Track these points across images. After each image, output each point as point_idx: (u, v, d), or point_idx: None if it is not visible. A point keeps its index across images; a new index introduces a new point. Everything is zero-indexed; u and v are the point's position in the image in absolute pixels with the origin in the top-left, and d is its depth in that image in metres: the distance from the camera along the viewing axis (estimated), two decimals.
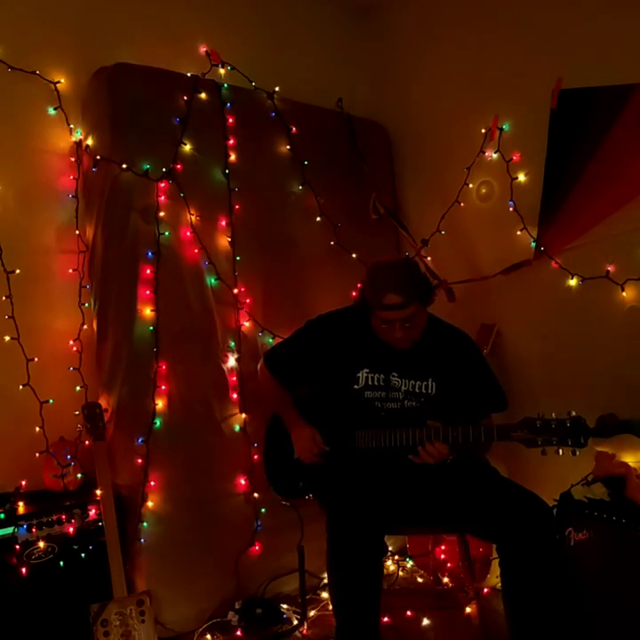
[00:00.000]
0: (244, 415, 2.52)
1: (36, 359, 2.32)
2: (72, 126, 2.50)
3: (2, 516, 2.07)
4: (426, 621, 2.29)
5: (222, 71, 2.73)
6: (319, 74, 3.14)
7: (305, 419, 2.15)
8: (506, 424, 1.77)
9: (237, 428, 2.50)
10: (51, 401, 2.31)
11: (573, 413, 1.66)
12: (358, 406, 2.06)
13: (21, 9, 2.41)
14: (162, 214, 2.39)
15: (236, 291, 2.56)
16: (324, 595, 2.49)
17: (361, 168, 3.02)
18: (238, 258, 2.58)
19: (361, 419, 2.04)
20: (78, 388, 2.44)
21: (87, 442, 2.34)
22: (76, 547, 2.13)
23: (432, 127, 3.01)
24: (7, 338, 2.30)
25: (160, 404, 2.32)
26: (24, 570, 2.03)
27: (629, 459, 2.10)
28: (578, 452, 1.66)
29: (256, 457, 2.48)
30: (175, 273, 2.42)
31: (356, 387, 2.07)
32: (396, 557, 2.83)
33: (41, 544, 2.07)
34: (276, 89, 2.79)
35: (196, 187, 2.49)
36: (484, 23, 2.72)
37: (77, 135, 2.50)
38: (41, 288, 2.44)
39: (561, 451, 1.66)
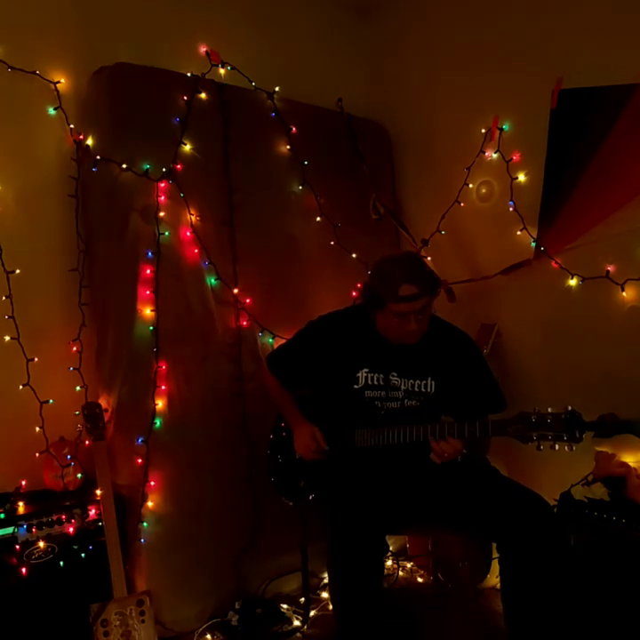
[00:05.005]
0: (244, 415, 2.52)
1: (35, 359, 2.32)
2: (72, 126, 2.49)
3: (2, 515, 2.07)
4: (426, 621, 2.29)
5: (222, 71, 2.72)
6: (319, 74, 3.14)
7: (307, 419, 2.16)
8: (501, 419, 1.77)
9: (237, 427, 2.50)
10: (51, 401, 2.31)
11: (569, 408, 1.65)
12: (359, 406, 2.06)
13: (21, 9, 2.40)
14: (162, 214, 2.39)
15: (236, 291, 2.56)
16: (324, 595, 2.49)
17: (361, 168, 3.02)
18: (238, 258, 2.58)
19: (361, 418, 2.04)
20: (78, 388, 2.44)
21: (87, 442, 2.34)
22: (76, 547, 2.13)
23: (432, 127, 3.01)
24: (7, 338, 2.30)
25: (160, 403, 2.33)
26: (24, 570, 2.03)
27: (629, 459, 2.11)
28: (574, 448, 1.63)
29: (256, 456, 2.48)
30: (175, 273, 2.42)
31: (356, 386, 2.07)
32: (397, 557, 2.83)
33: (41, 544, 2.07)
34: (276, 89, 2.79)
35: (196, 187, 2.49)
36: (483, 23, 2.72)
37: (77, 135, 2.50)
38: (41, 288, 2.44)
39: (557, 446, 1.65)
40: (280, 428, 2.27)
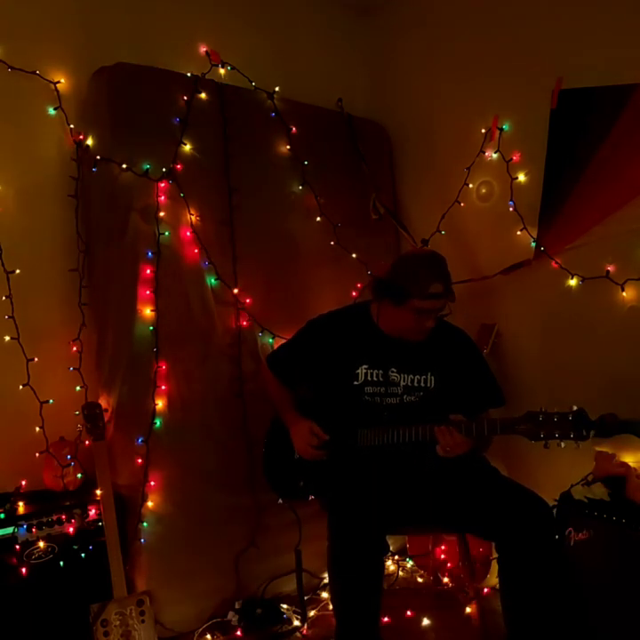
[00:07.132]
0: (244, 415, 2.52)
1: (35, 359, 2.32)
2: (72, 126, 2.49)
3: (2, 515, 2.07)
4: (426, 621, 2.29)
5: (222, 71, 2.72)
6: (319, 74, 3.14)
7: (307, 418, 2.15)
8: (509, 418, 1.78)
9: (237, 427, 2.50)
10: (51, 401, 2.31)
11: (575, 408, 1.68)
12: (359, 402, 2.07)
13: (21, 9, 2.41)
14: (162, 214, 2.39)
15: (236, 291, 2.56)
16: (324, 595, 2.49)
17: (361, 168, 3.02)
18: (238, 258, 2.58)
19: (362, 414, 2.05)
20: (78, 388, 2.44)
21: (87, 442, 2.34)
22: (76, 547, 2.13)
23: (432, 127, 3.01)
24: (7, 338, 2.30)
25: (160, 403, 2.32)
26: (24, 570, 2.03)
27: (629, 459, 2.11)
28: (580, 445, 1.67)
29: (256, 457, 2.48)
30: (175, 273, 2.41)
31: (355, 383, 2.08)
32: (396, 557, 2.83)
33: (41, 544, 2.07)
34: (276, 89, 2.79)
35: (195, 187, 2.49)
36: (484, 23, 2.72)
37: (77, 135, 2.50)
38: (41, 288, 2.44)
39: (563, 443, 1.68)
40: (277, 428, 2.27)
